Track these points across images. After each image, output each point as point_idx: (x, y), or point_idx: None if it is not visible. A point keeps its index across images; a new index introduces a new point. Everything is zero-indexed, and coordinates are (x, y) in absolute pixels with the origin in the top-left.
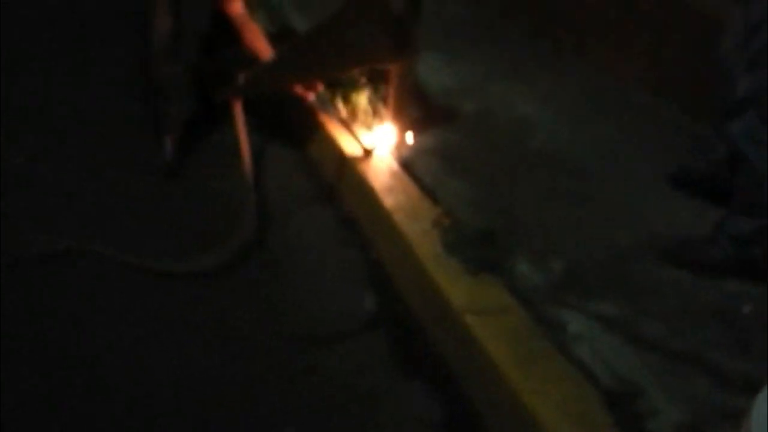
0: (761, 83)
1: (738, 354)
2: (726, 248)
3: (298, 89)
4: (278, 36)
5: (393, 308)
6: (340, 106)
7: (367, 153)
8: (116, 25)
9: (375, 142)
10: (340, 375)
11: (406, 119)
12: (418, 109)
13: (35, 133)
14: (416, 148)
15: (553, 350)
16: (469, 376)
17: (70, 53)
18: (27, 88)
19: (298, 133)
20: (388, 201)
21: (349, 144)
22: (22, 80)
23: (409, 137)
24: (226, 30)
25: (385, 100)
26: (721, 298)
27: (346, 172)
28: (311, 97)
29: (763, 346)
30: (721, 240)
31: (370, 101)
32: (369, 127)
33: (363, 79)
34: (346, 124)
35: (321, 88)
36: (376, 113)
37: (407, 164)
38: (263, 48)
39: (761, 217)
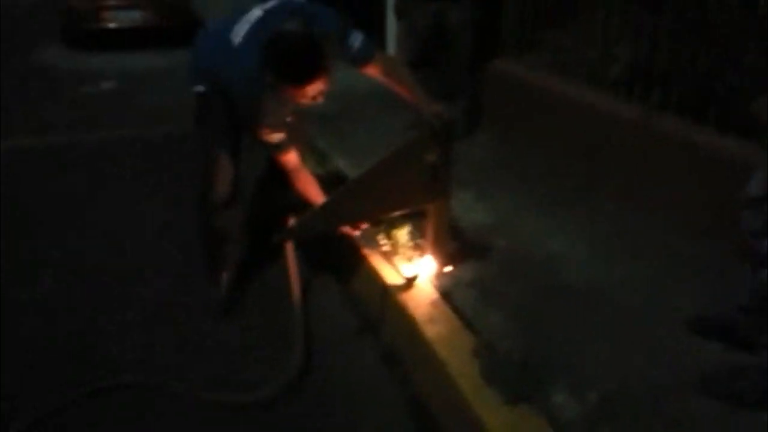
0: None
1: None
2: (757, 382)
3: (345, 229)
4: (326, 178)
5: None
6: (382, 241)
7: (408, 284)
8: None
9: (415, 274)
10: None
11: (443, 253)
12: (454, 243)
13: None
14: (455, 280)
15: None
16: None
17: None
18: (89, 233)
19: (343, 267)
20: (429, 331)
21: (390, 276)
22: (90, 230)
23: (448, 269)
24: (280, 176)
25: (424, 235)
26: (759, 429)
27: (388, 304)
28: (356, 234)
29: None
30: (752, 374)
31: (410, 236)
32: (409, 260)
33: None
34: (388, 258)
35: (364, 225)
36: (415, 247)
37: (446, 295)
38: (315, 195)
39: None
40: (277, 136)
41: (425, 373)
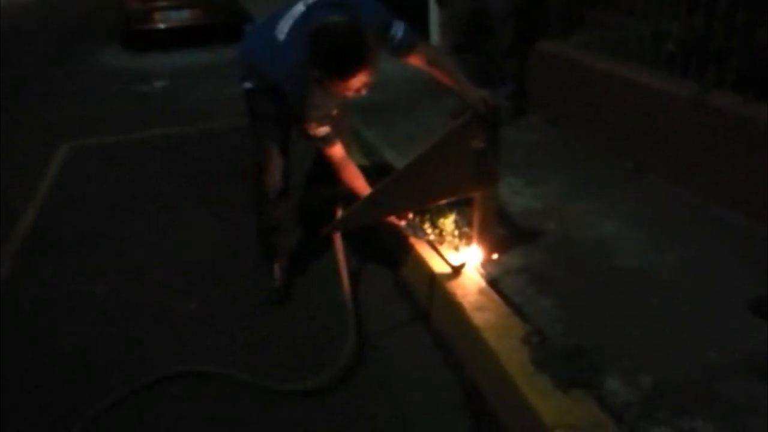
0: None
1: None
2: None
3: (390, 219)
4: (372, 169)
5: (488, 426)
6: (429, 229)
7: (456, 273)
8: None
9: (462, 262)
10: None
11: (491, 240)
12: (502, 230)
13: (162, 269)
14: (502, 267)
15: None
16: None
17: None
18: (158, 231)
19: (391, 257)
20: (478, 319)
21: (438, 265)
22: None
23: (495, 256)
24: (328, 169)
25: (470, 223)
26: None
27: (437, 292)
28: (402, 223)
29: None
30: None
31: (457, 224)
32: (456, 248)
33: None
34: (435, 247)
35: (410, 215)
36: (462, 235)
37: (494, 283)
38: (361, 187)
39: None
40: (323, 130)
41: (476, 360)
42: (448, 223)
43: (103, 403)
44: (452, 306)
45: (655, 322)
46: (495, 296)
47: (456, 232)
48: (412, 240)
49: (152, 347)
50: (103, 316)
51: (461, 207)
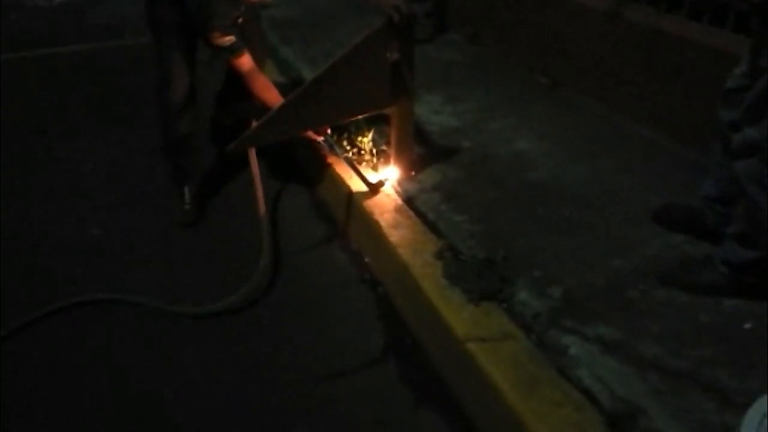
0: (766, 132)
1: (738, 371)
2: (722, 272)
3: (307, 134)
4: (290, 87)
5: (401, 340)
6: (347, 148)
7: (373, 191)
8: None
9: (380, 180)
10: (352, 405)
11: (408, 158)
12: (419, 148)
13: (65, 193)
14: (419, 185)
15: (554, 374)
16: (473, 403)
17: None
18: (62, 155)
19: (309, 176)
20: (393, 236)
21: (356, 184)
22: (58, 149)
23: (412, 174)
24: (241, 88)
25: (388, 141)
26: (720, 316)
27: (354, 211)
28: (320, 139)
29: (764, 362)
30: (716, 265)
31: (375, 143)
32: (375, 167)
33: (368, 123)
34: (353, 165)
35: (328, 131)
36: (380, 153)
37: (410, 200)
38: (273, 99)
39: (756, 249)
40: (228, 39)
41: (391, 276)
42: (366, 141)
43: (6, 328)
44: (368, 224)
45: (565, 234)
46: (411, 213)
47: (374, 151)
48: (331, 159)
49: (58, 276)
50: (4, 246)
51: (380, 125)
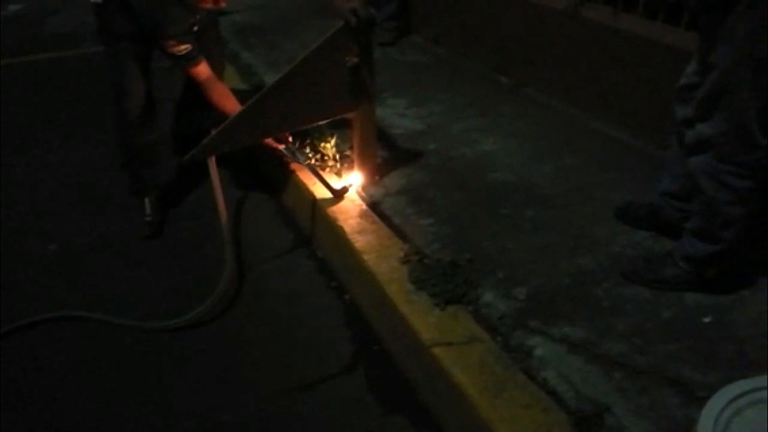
0: (718, 128)
1: (700, 365)
2: (683, 267)
3: (268, 141)
4: (252, 93)
5: (369, 347)
6: (310, 154)
7: (338, 197)
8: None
9: (344, 186)
10: (320, 417)
11: (372, 163)
12: (384, 152)
13: (22, 208)
14: (383, 189)
15: (520, 376)
16: (441, 408)
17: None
18: (19, 168)
19: (273, 183)
20: (358, 242)
21: (320, 190)
22: (14, 162)
23: (377, 179)
24: (200, 95)
25: (351, 146)
26: (682, 311)
27: (319, 218)
28: (281, 147)
29: (725, 354)
30: (677, 260)
31: (338, 148)
32: (338, 172)
33: (330, 128)
34: (316, 172)
35: (290, 138)
36: (344, 159)
37: (375, 205)
38: (232, 107)
39: (714, 244)
40: (183, 47)
41: (357, 282)
42: (329, 146)
43: None
44: (333, 230)
45: (530, 234)
46: (375, 218)
47: (337, 156)
48: (294, 166)
49: (19, 292)
50: None
51: (343, 130)
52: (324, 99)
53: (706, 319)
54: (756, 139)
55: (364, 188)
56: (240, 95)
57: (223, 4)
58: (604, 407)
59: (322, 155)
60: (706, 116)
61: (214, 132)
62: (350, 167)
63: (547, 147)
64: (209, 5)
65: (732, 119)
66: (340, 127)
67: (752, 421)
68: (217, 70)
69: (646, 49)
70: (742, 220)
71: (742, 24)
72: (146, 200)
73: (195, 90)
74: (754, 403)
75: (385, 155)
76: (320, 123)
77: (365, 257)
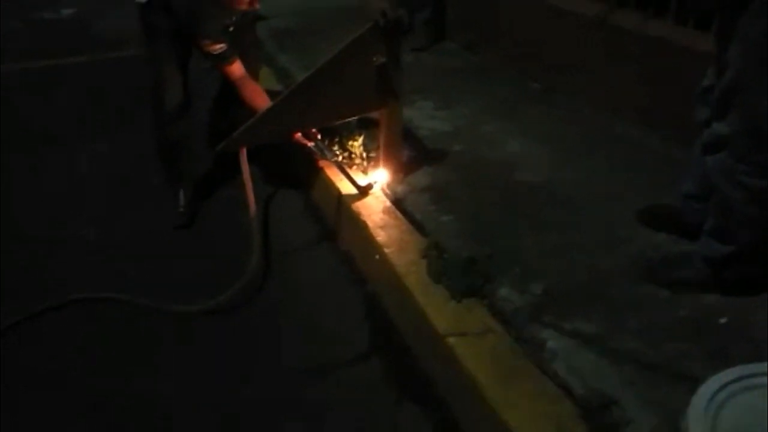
0: (732, 127)
1: (712, 364)
2: (700, 268)
3: (297, 138)
4: None
5: (387, 337)
6: (338, 152)
7: (363, 194)
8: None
9: (369, 182)
10: (334, 400)
11: (397, 161)
12: (410, 151)
13: (61, 198)
14: (408, 187)
15: (531, 368)
16: (453, 396)
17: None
18: (62, 162)
19: (302, 179)
20: (381, 236)
21: (346, 186)
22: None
23: (402, 177)
24: (235, 92)
25: (378, 145)
26: (698, 311)
27: (344, 213)
28: (310, 144)
29: (738, 354)
30: (695, 261)
31: (365, 146)
32: (365, 170)
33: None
34: (343, 169)
35: (319, 135)
36: (371, 157)
37: (398, 202)
38: (263, 104)
39: (731, 244)
40: (219, 47)
41: (379, 275)
42: (357, 145)
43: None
44: (357, 225)
45: (550, 233)
46: (398, 214)
47: (364, 155)
48: (322, 163)
49: (53, 275)
50: (3, 246)
51: (370, 129)
52: (351, 97)
53: (722, 320)
54: None
55: (388, 185)
56: (274, 96)
57: (257, 6)
58: (612, 400)
59: (350, 153)
60: (722, 115)
61: (244, 125)
62: (376, 165)
63: (572, 150)
64: (244, 7)
65: (746, 118)
66: (368, 127)
67: (745, 405)
68: (253, 71)
69: (676, 54)
70: (758, 221)
71: (755, 23)
72: (180, 191)
73: (230, 88)
74: (750, 388)
75: (411, 154)
76: (348, 120)
77: (386, 251)
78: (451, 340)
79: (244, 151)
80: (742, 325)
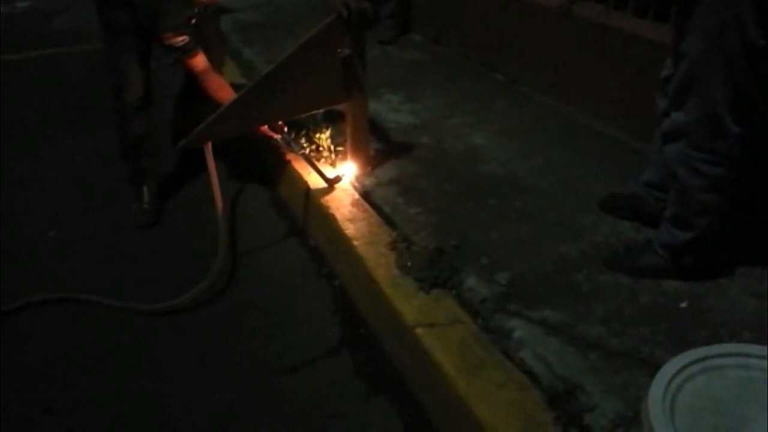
0: (690, 116)
1: (674, 348)
2: (661, 255)
3: (264, 131)
4: None
5: (356, 331)
6: (305, 144)
7: (330, 186)
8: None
9: (337, 176)
10: (304, 397)
11: (364, 154)
12: (377, 144)
13: (22, 197)
14: (375, 180)
15: (499, 357)
16: (422, 388)
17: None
18: (21, 160)
19: (268, 174)
20: (349, 229)
21: (314, 180)
22: (16, 154)
23: (369, 170)
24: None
25: (344, 138)
26: (659, 297)
27: (312, 207)
28: (277, 137)
29: (699, 339)
30: (656, 248)
31: (333, 139)
32: (332, 163)
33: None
34: (310, 161)
35: (285, 128)
36: (338, 150)
37: (367, 195)
38: (228, 97)
39: (690, 231)
40: (180, 39)
41: (347, 268)
42: (324, 138)
43: None
44: (326, 219)
45: (515, 223)
46: (367, 207)
47: (332, 147)
48: (289, 157)
49: (16, 277)
50: None
51: (337, 123)
52: (316, 89)
53: (683, 305)
54: (727, 127)
55: (356, 178)
56: (239, 89)
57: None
58: (577, 386)
59: (317, 146)
60: (680, 105)
61: (207, 119)
62: (344, 158)
63: (537, 141)
64: (206, 0)
65: (703, 107)
66: (335, 120)
67: (702, 388)
68: (217, 64)
69: (635, 45)
70: (716, 207)
71: (710, 15)
72: (144, 189)
73: (194, 84)
74: (706, 370)
75: (379, 147)
76: (313, 113)
77: (355, 243)
78: (419, 331)
79: (210, 146)
80: (701, 310)
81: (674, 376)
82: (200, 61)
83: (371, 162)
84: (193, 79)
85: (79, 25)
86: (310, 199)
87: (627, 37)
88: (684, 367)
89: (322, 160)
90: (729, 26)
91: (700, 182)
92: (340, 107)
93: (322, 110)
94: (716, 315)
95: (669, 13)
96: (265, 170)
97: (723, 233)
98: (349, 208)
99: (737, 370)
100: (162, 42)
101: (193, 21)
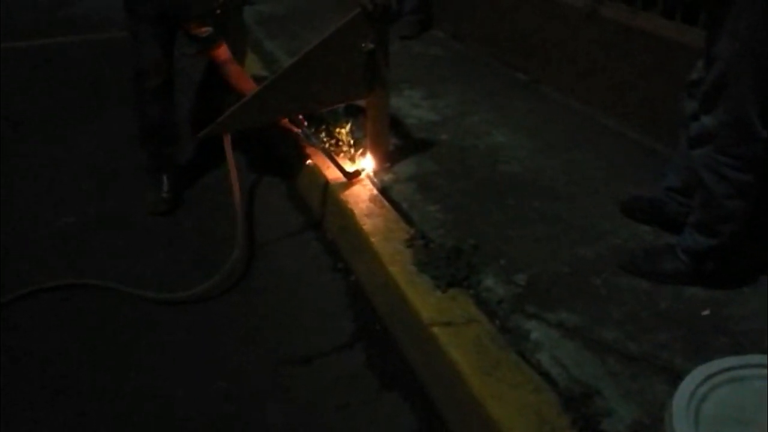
0: (719, 120)
1: (692, 355)
2: (683, 260)
3: (284, 124)
4: None
5: (370, 326)
6: (325, 139)
7: (349, 180)
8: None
9: (356, 170)
10: (314, 389)
11: (384, 149)
12: (397, 140)
13: (39, 183)
14: (394, 176)
15: (515, 358)
16: (436, 385)
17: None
18: (38, 146)
19: (287, 167)
20: (366, 224)
21: (332, 174)
22: (33, 140)
23: (389, 166)
24: (220, 80)
25: (364, 133)
26: (679, 303)
27: (330, 201)
28: (297, 131)
29: (719, 346)
30: (677, 253)
31: (353, 134)
32: (352, 158)
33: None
34: (330, 155)
35: (305, 122)
36: (358, 145)
37: (385, 190)
38: (249, 89)
39: (714, 237)
40: (204, 29)
41: (363, 264)
42: (344, 132)
43: None
44: (343, 213)
45: (534, 224)
46: (385, 203)
47: (352, 142)
48: (308, 150)
49: (28, 260)
50: None
51: (358, 117)
52: (338, 83)
53: (704, 313)
54: (756, 131)
55: (375, 174)
56: (260, 81)
57: None
58: (593, 390)
59: (337, 140)
60: (709, 108)
61: (231, 109)
62: (363, 153)
63: (557, 141)
64: None
65: (732, 111)
66: (355, 114)
67: (727, 398)
68: (239, 56)
69: (661, 47)
70: (741, 214)
71: (743, 17)
72: (163, 177)
73: (216, 74)
74: (732, 381)
75: (398, 143)
76: (334, 107)
77: (371, 239)
78: (435, 329)
79: (229, 137)
80: (723, 318)
81: (699, 385)
82: (223, 52)
83: (390, 158)
84: (215, 69)
85: (100, 11)
86: (328, 193)
87: (652, 38)
88: (709, 377)
89: (342, 154)
90: (763, 29)
91: (726, 188)
92: (361, 102)
93: (342, 105)
94: (738, 323)
95: (698, 16)
96: (283, 163)
97: (747, 240)
98: (367, 203)
99: (762, 380)
100: (186, 32)
101: (217, 12)
